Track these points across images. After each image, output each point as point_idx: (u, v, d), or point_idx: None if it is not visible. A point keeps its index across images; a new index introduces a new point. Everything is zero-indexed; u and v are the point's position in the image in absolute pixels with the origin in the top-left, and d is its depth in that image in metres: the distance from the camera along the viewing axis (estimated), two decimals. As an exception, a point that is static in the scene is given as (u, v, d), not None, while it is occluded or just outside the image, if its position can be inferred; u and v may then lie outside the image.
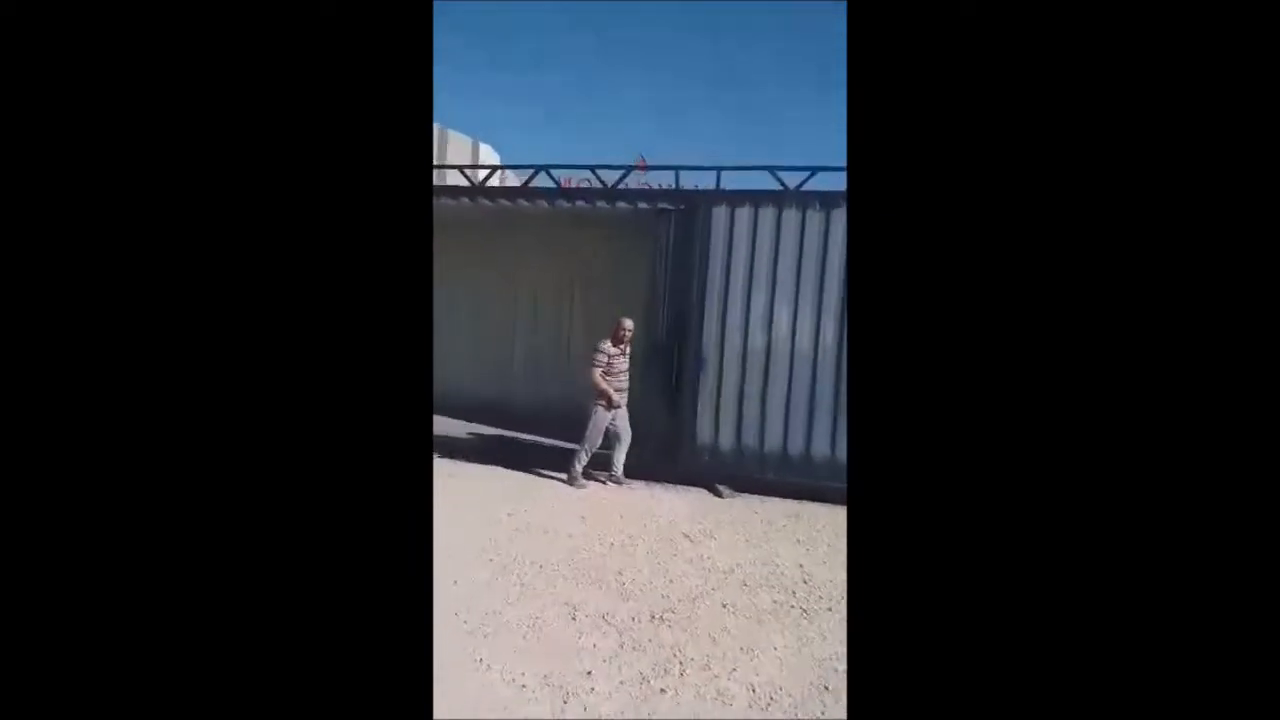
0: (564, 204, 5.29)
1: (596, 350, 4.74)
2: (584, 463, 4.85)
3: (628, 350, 4.82)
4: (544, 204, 5.33)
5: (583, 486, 4.77)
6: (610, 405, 4.73)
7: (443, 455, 5.47)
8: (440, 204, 5.58)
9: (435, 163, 7.46)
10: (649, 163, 5.68)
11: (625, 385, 4.80)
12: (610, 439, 4.86)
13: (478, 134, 11.04)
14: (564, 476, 4.87)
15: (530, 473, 5.10)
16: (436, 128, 9.91)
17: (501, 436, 5.90)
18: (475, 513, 4.06)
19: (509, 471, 5.13)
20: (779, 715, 2.22)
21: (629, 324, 4.81)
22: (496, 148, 11.37)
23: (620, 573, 3.29)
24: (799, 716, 2.23)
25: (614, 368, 4.73)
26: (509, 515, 4.08)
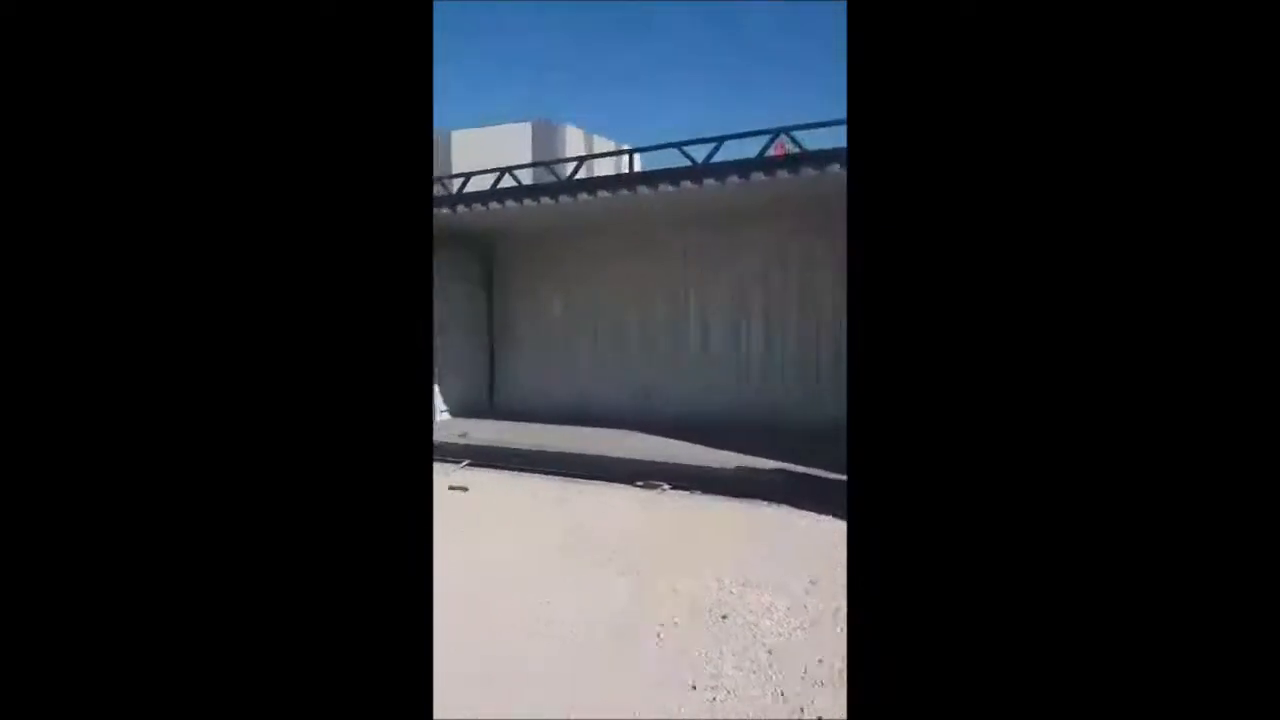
0: (761, 177, 4.30)
1: None
2: None
3: None
4: (735, 179, 4.39)
5: None
6: None
7: (695, 489, 4.72)
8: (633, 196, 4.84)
9: (546, 159, 6.67)
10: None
11: None
12: None
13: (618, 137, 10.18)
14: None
15: (807, 513, 4.13)
16: (549, 125, 9.11)
17: (760, 467, 4.77)
18: (770, 579, 3.20)
19: (789, 516, 4.21)
20: None
21: None
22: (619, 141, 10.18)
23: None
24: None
25: None
26: (812, 583, 3.16)
